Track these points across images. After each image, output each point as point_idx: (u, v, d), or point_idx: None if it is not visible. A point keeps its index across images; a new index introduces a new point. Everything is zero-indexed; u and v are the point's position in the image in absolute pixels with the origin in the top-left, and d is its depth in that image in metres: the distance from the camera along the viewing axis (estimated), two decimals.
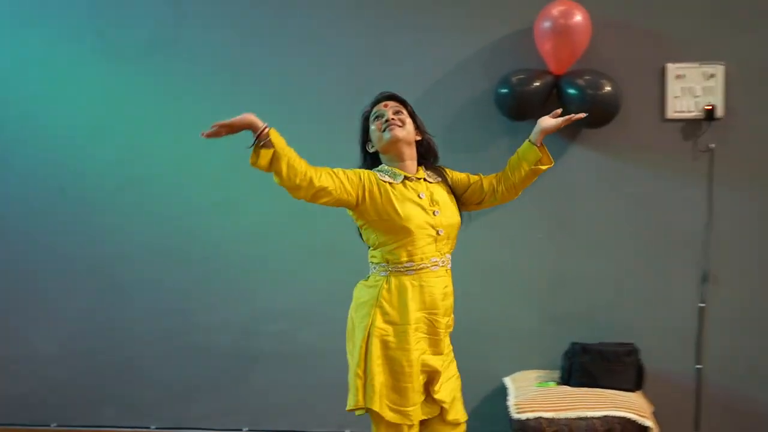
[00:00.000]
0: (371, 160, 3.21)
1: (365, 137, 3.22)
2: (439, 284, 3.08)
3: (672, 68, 4.31)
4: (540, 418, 3.80)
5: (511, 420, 3.87)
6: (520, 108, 4.20)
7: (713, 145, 4.29)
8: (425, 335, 3.06)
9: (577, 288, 4.41)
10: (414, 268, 3.05)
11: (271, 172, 2.89)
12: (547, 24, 4.14)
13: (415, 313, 3.03)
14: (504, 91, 4.21)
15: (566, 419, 3.79)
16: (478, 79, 4.37)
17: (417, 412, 3.03)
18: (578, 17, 4.12)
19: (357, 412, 3.04)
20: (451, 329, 3.18)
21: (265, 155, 2.84)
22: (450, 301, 3.15)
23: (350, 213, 3.13)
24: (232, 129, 2.84)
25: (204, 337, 4.68)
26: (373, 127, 3.15)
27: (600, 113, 4.15)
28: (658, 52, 4.31)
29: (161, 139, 4.66)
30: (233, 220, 4.64)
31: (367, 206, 3.03)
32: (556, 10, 4.13)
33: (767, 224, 4.33)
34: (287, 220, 4.58)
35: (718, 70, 4.28)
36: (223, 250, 4.66)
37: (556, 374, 4.25)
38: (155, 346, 4.72)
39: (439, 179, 3.22)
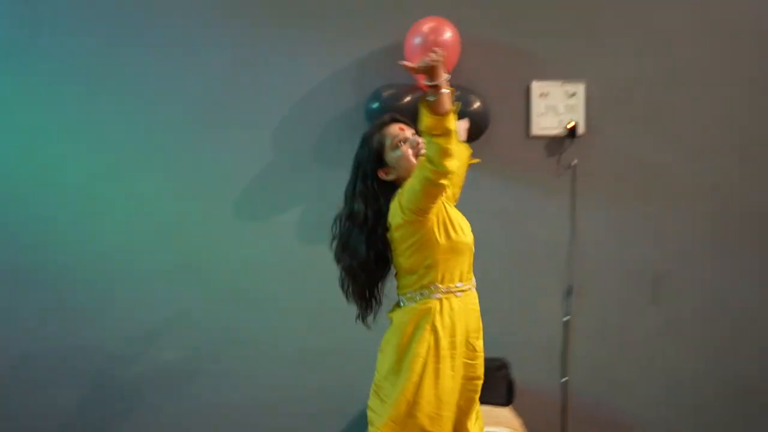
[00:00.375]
0: (383, 188, 2.91)
1: (378, 164, 2.92)
2: (477, 305, 2.96)
3: (536, 86, 4.41)
4: None
5: None
6: None
7: (575, 162, 4.41)
8: (465, 360, 2.90)
9: None
10: (462, 289, 2.90)
11: (441, 131, 2.61)
12: (417, 40, 4.14)
13: (461, 337, 2.87)
14: (375, 105, 4.18)
15: None
16: (349, 94, 4.33)
17: None
18: (448, 34, 4.15)
19: None
20: None
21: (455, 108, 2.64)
22: (481, 322, 3.00)
23: (404, 225, 2.81)
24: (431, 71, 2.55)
25: (60, 363, 4.39)
26: (399, 152, 2.89)
27: (470, 129, 4.18)
28: (524, 71, 4.41)
29: (10, 149, 4.36)
30: (90, 237, 4.39)
31: (433, 219, 2.81)
32: (426, 27, 4.15)
33: (627, 237, 4.50)
34: (145, 237, 4.39)
35: (579, 88, 4.42)
36: (79, 268, 4.39)
37: None
38: (2, 375, 4.40)
39: None
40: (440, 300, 2.86)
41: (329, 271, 4.34)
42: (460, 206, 4.30)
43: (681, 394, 4.52)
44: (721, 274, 4.54)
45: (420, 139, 2.86)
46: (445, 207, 2.90)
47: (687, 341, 4.52)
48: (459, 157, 2.85)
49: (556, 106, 4.41)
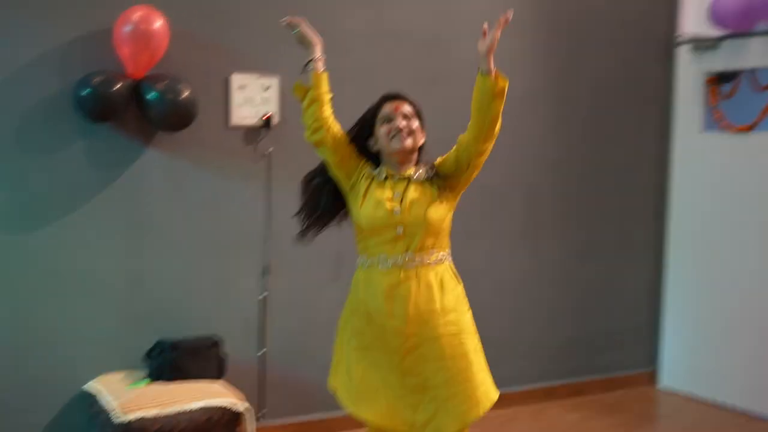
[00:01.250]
0: (371, 157, 3.29)
1: (368, 132, 3.28)
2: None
3: (236, 78, 4.65)
4: (143, 417, 3.86)
5: (113, 424, 3.85)
6: (102, 110, 4.16)
7: (271, 150, 4.75)
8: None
9: (155, 287, 4.52)
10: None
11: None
12: (127, 28, 4.17)
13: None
14: (85, 92, 4.12)
15: (168, 415, 3.92)
16: (53, 80, 4.20)
17: None
18: (158, 23, 4.22)
19: None
20: None
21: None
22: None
23: None
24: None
25: None
26: (382, 130, 3.21)
27: (178, 118, 4.32)
28: (225, 63, 4.62)
29: None
30: None
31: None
32: (136, 15, 4.18)
33: None
34: None
35: (274, 82, 4.74)
36: None
37: (141, 373, 4.32)
38: None
39: (428, 176, 3.21)
40: None
41: (30, 261, 4.28)
42: (156, 194, 4.47)
43: None
44: None
45: (404, 124, 3.15)
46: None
47: None
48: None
49: (253, 98, 4.70)
